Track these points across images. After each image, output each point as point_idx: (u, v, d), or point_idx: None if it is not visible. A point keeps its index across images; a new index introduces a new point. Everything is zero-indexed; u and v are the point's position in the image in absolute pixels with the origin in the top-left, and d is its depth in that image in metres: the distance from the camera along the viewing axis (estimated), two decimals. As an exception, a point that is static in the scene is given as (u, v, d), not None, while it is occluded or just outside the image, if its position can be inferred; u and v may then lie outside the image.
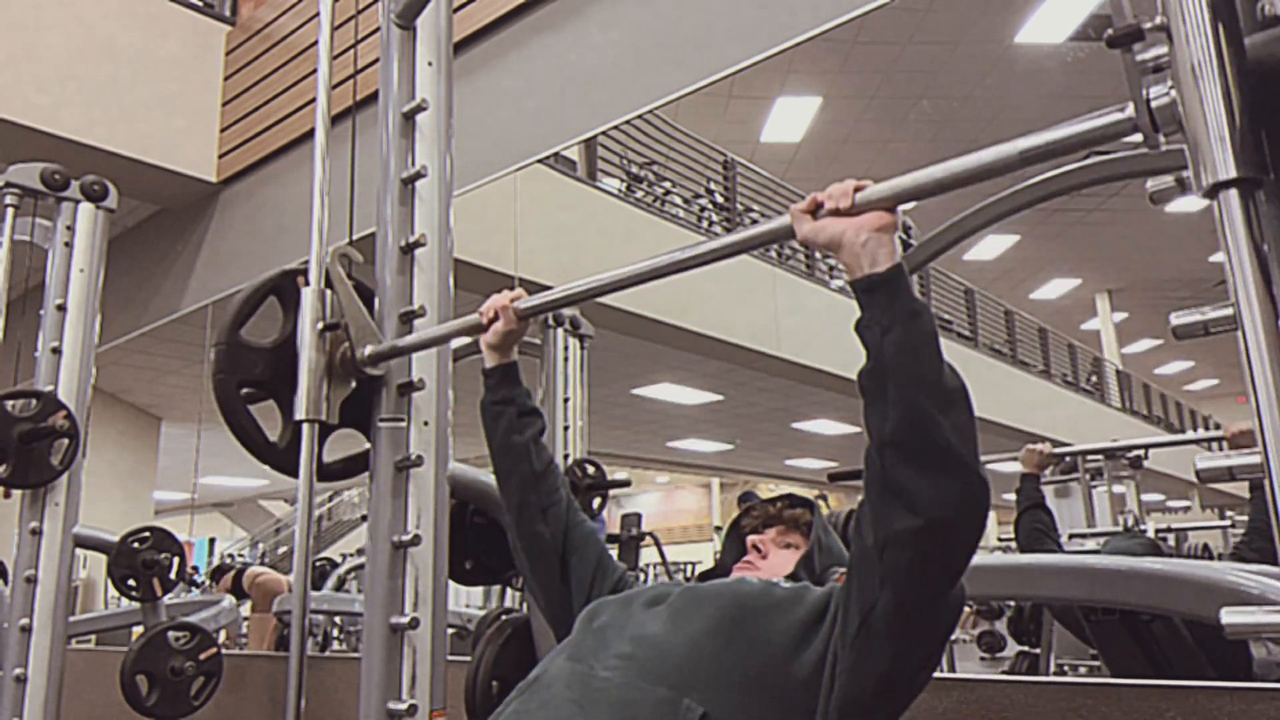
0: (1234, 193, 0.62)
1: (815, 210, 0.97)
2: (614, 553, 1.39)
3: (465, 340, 1.46)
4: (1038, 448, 2.53)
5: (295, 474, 1.42)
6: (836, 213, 0.95)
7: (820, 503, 1.40)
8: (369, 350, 1.44)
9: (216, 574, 5.22)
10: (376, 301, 1.50)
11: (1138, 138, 0.72)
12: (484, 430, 1.40)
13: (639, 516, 3.39)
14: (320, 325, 1.43)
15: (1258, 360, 0.61)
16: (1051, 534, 2.40)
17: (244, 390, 1.44)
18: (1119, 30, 0.66)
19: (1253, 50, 0.64)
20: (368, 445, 1.48)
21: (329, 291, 1.45)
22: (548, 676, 1.08)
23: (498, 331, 1.33)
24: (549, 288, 1.26)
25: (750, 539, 1.32)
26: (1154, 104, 0.69)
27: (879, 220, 0.93)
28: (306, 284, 1.46)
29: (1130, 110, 0.72)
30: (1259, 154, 0.62)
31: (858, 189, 0.95)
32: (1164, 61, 0.67)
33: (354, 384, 1.46)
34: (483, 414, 1.41)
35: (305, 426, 1.41)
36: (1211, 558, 3.30)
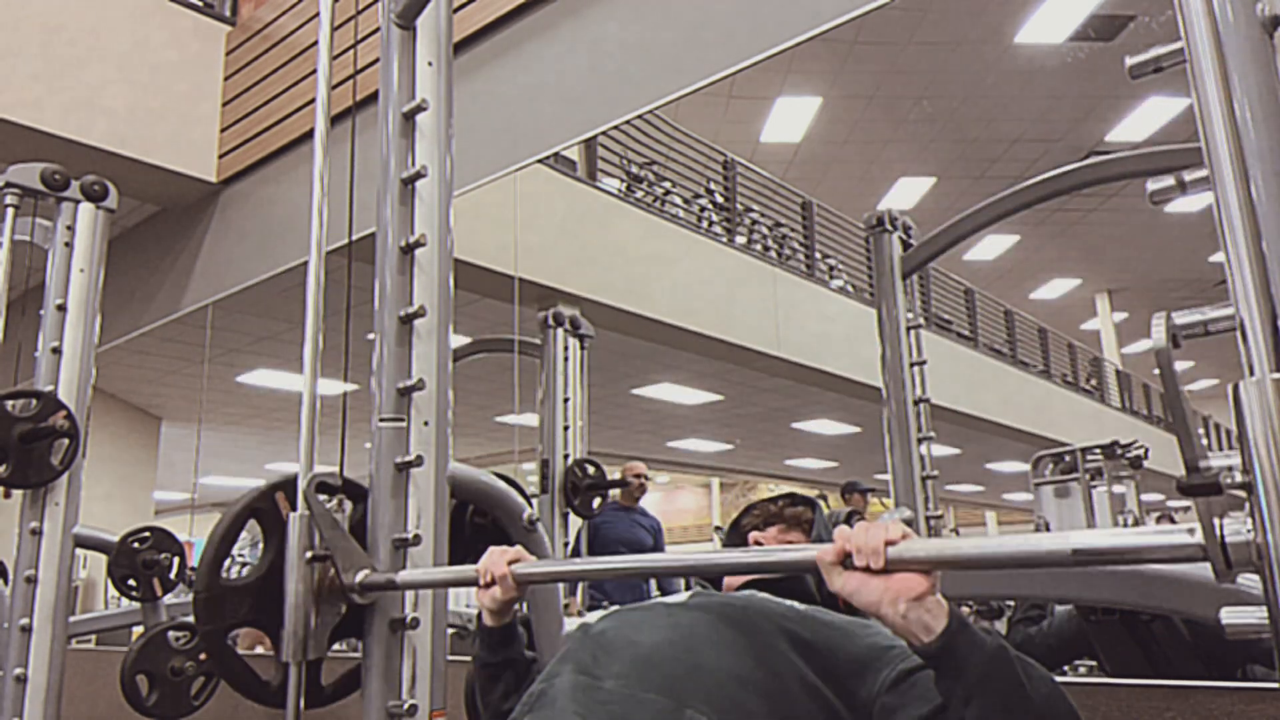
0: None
1: (845, 560, 0.91)
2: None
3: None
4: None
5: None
6: (867, 569, 0.89)
7: (821, 502, 1.40)
8: (361, 578, 1.38)
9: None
10: (369, 511, 1.44)
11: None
12: (477, 690, 1.35)
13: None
14: (309, 556, 1.38)
15: (1258, 360, 0.61)
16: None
17: (231, 632, 1.40)
18: (1192, 480, 0.65)
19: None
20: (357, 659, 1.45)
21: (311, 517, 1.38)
22: (552, 690, 1.07)
23: (495, 599, 1.26)
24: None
25: (752, 536, 1.32)
26: (1229, 541, 0.67)
27: (914, 588, 0.88)
28: (292, 508, 1.40)
29: (1199, 536, 0.69)
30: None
31: (889, 542, 0.89)
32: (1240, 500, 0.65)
33: (344, 608, 1.41)
34: (479, 673, 1.35)
35: (293, 666, 1.38)
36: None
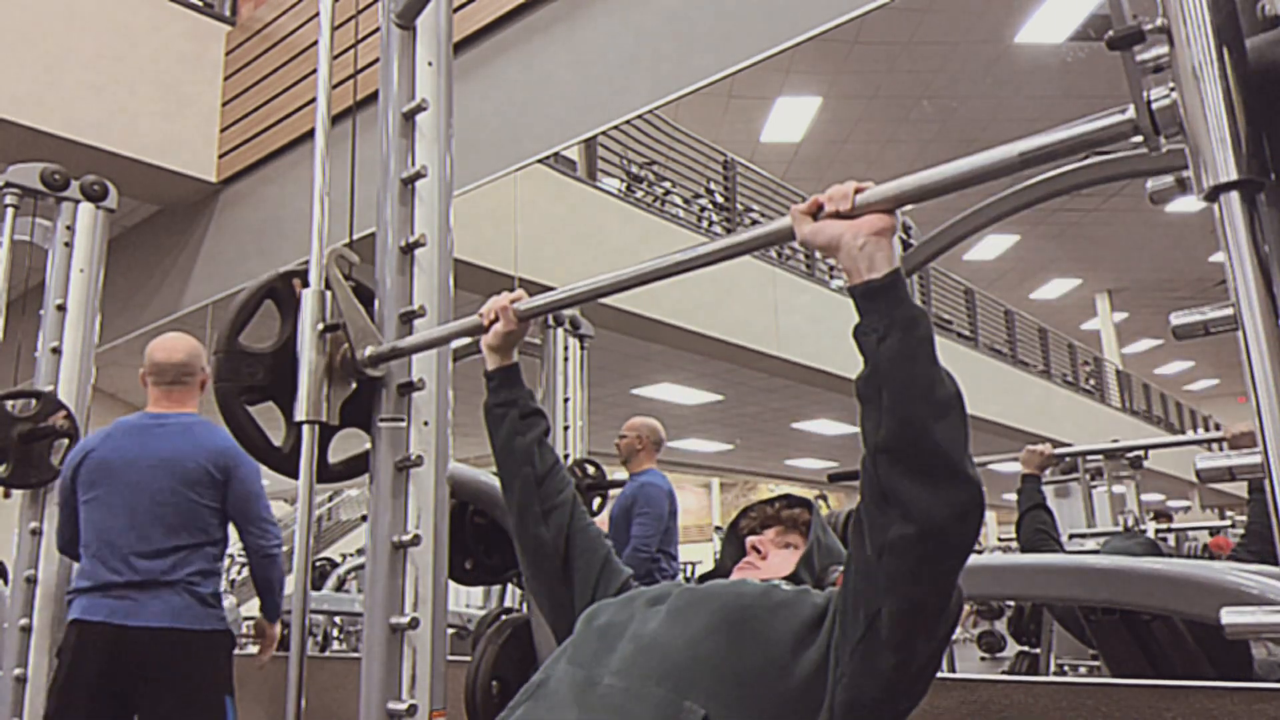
0: (1235, 195, 0.62)
1: (816, 212, 0.97)
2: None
3: (465, 340, 1.46)
4: (1038, 449, 2.53)
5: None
6: (837, 215, 0.95)
7: (819, 502, 1.40)
8: (369, 351, 1.44)
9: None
10: (376, 302, 1.50)
11: (1138, 139, 0.72)
12: (487, 433, 1.39)
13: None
14: (320, 327, 1.43)
15: (1258, 360, 0.61)
16: (1053, 534, 2.41)
17: (245, 395, 1.44)
18: (1119, 32, 0.66)
19: (1254, 53, 0.64)
20: (368, 446, 1.48)
21: (328, 293, 1.45)
22: (551, 682, 1.08)
23: (498, 333, 1.32)
24: (549, 288, 1.27)
25: (749, 540, 1.32)
26: (1154, 106, 0.69)
27: (877, 223, 0.93)
28: (305, 286, 1.45)
29: (1130, 112, 0.71)
30: (1260, 156, 0.62)
31: (858, 190, 0.94)
32: (1165, 63, 0.67)
33: (354, 385, 1.46)
34: (486, 417, 1.40)
35: (306, 428, 1.41)
36: (1213, 558, 3.30)
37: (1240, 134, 0.62)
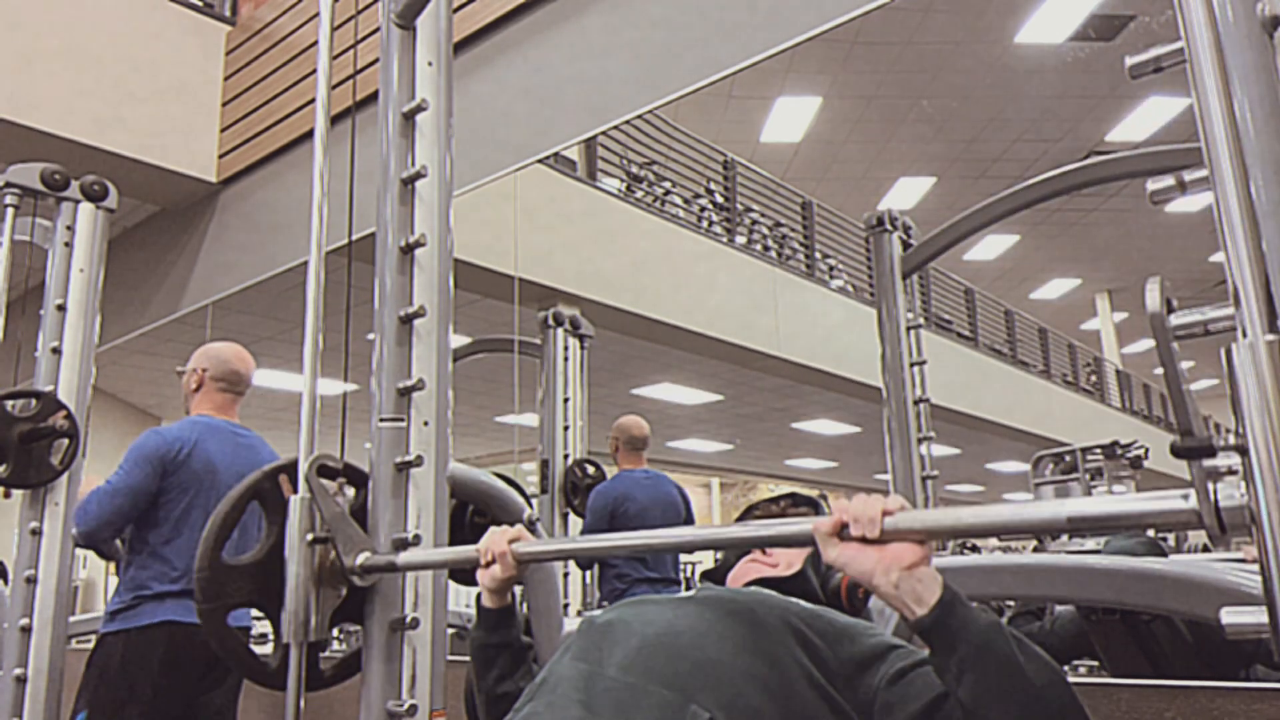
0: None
1: (841, 530, 0.91)
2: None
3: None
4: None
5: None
6: (864, 539, 0.89)
7: (823, 502, 1.39)
8: (361, 560, 1.39)
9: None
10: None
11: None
12: (472, 670, 1.34)
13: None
14: (310, 538, 1.38)
15: (1251, 325, 0.61)
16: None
17: (231, 610, 1.41)
18: (1187, 444, 0.65)
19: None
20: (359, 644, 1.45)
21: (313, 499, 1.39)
22: (554, 678, 1.07)
23: (495, 578, 1.26)
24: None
25: (752, 540, 1.32)
26: (1223, 506, 0.66)
27: (908, 557, 0.87)
28: (293, 490, 1.41)
29: (1194, 501, 0.68)
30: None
31: (885, 513, 0.89)
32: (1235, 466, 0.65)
33: (344, 591, 1.41)
34: (474, 655, 1.34)
35: (294, 647, 1.38)
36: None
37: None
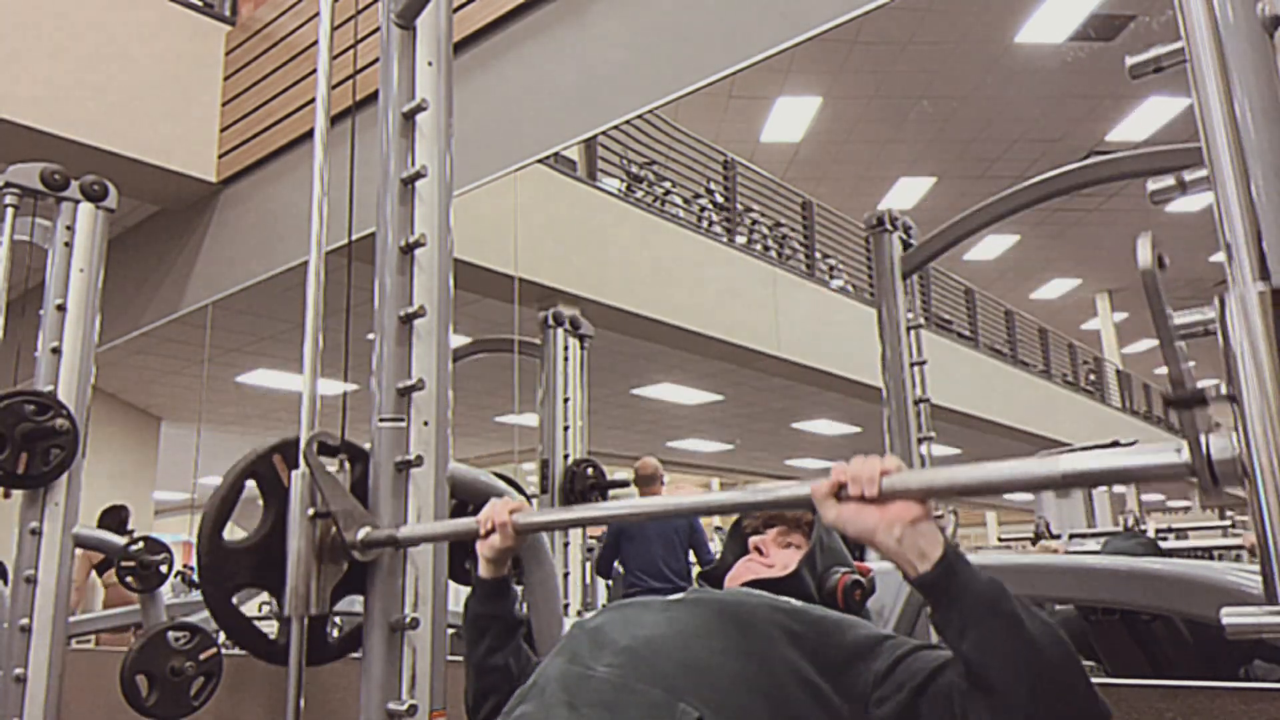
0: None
1: (839, 491, 0.91)
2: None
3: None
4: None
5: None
6: (862, 498, 0.89)
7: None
8: (362, 535, 1.38)
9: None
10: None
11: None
12: (464, 640, 1.34)
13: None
14: (311, 513, 1.39)
15: (1240, 273, 0.61)
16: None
17: (234, 591, 1.41)
18: (1178, 395, 0.65)
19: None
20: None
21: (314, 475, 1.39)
22: (543, 680, 1.07)
23: (494, 547, 1.27)
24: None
25: (752, 540, 1.32)
26: (1215, 458, 0.67)
27: (909, 513, 0.87)
28: (291, 466, 1.40)
29: (1185, 454, 0.69)
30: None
31: (884, 473, 0.89)
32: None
33: (346, 565, 1.42)
34: (467, 625, 1.34)
35: (295, 620, 1.39)
36: (1212, 558, 3.30)
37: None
